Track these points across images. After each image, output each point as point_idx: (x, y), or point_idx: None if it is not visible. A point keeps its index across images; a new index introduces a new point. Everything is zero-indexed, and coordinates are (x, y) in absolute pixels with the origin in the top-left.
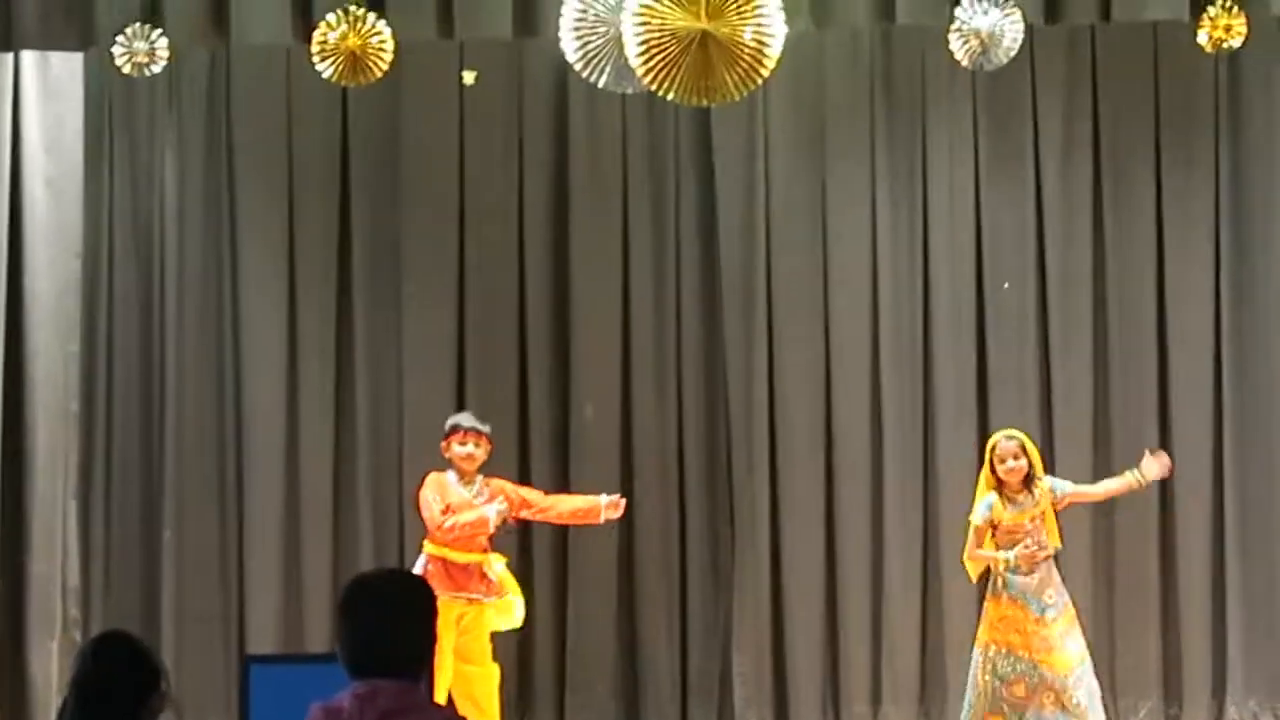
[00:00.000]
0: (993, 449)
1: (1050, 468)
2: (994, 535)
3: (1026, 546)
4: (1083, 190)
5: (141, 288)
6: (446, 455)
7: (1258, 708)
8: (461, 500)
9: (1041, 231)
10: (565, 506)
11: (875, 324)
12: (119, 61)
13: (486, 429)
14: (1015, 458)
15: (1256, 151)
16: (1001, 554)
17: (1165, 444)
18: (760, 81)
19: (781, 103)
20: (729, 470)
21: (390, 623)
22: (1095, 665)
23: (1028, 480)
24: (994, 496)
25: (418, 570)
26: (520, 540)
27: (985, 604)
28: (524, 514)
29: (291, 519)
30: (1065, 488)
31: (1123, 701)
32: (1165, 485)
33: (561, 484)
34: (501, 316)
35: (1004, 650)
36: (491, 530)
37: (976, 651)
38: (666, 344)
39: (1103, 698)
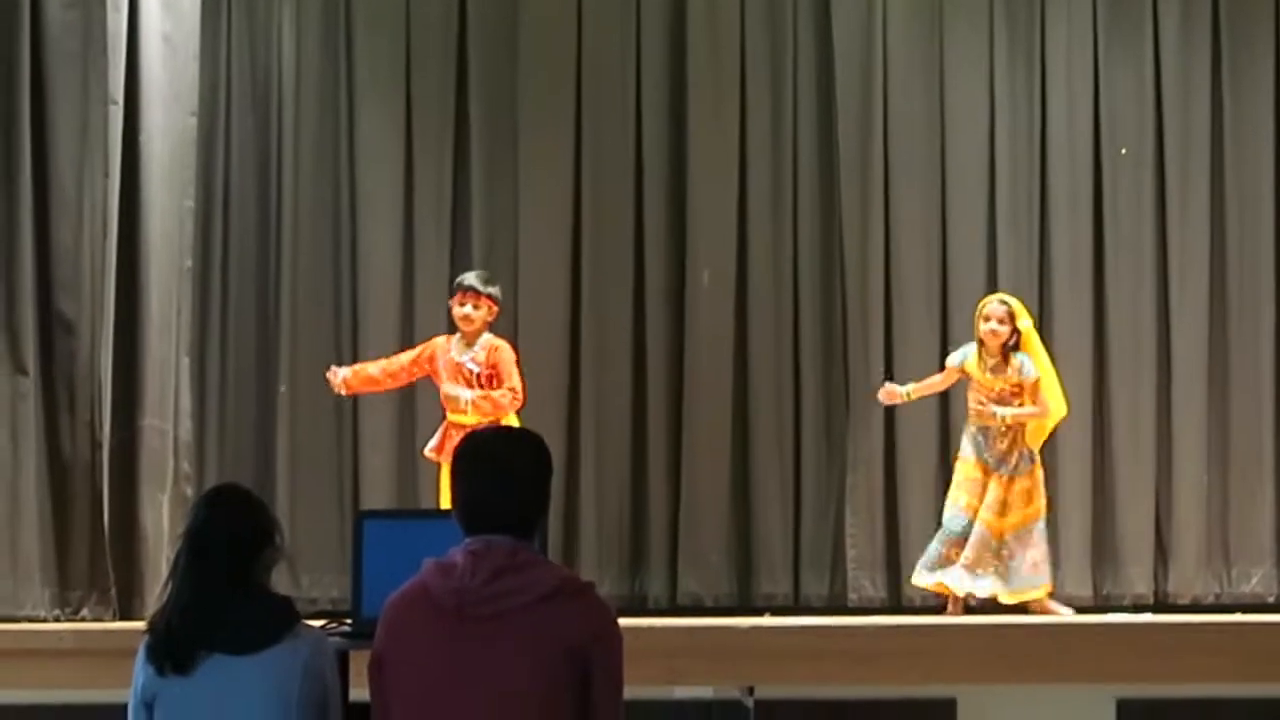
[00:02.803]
0: (982, 306)
1: (1166, 335)
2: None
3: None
4: (1201, 55)
5: (258, 146)
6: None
7: None
8: (449, 362)
9: (1159, 97)
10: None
11: (992, 193)
12: None
13: (489, 290)
14: (1000, 322)
15: None
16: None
17: None
18: None
19: None
20: (844, 337)
21: (504, 480)
22: (1210, 534)
23: (1005, 349)
24: (974, 347)
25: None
26: (634, 403)
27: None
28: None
29: None
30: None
31: (1236, 568)
32: None
33: (676, 349)
34: (617, 181)
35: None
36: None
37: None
38: (783, 212)
39: (1211, 564)
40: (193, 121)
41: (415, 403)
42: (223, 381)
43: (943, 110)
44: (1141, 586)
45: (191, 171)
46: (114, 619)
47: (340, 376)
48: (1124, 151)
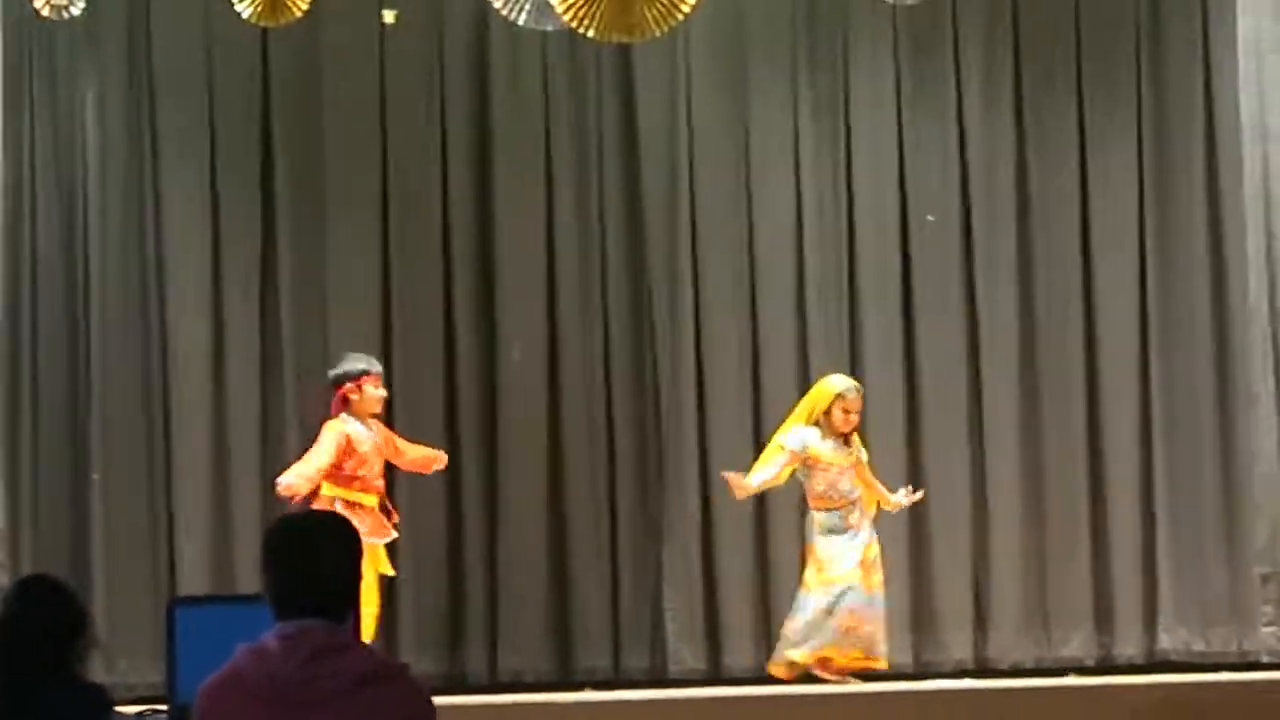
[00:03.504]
0: (839, 395)
1: (978, 397)
2: (804, 467)
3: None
4: (1005, 117)
5: (64, 230)
6: (354, 398)
7: (1189, 636)
8: (374, 445)
9: (964, 163)
10: (413, 454)
11: (800, 260)
12: (36, 3)
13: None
14: (858, 412)
15: (1178, 75)
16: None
17: (1091, 371)
18: (681, 17)
19: (702, 39)
20: (657, 409)
21: (316, 564)
22: (1027, 597)
23: (848, 433)
24: (815, 431)
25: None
26: (449, 481)
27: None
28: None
29: (220, 460)
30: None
31: (1055, 633)
32: (1093, 412)
33: (489, 425)
34: (426, 258)
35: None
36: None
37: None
38: (592, 285)
39: (1030, 629)
40: None
41: (229, 487)
42: (35, 469)
43: (748, 181)
44: (960, 653)
45: None
46: None
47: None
48: (930, 219)
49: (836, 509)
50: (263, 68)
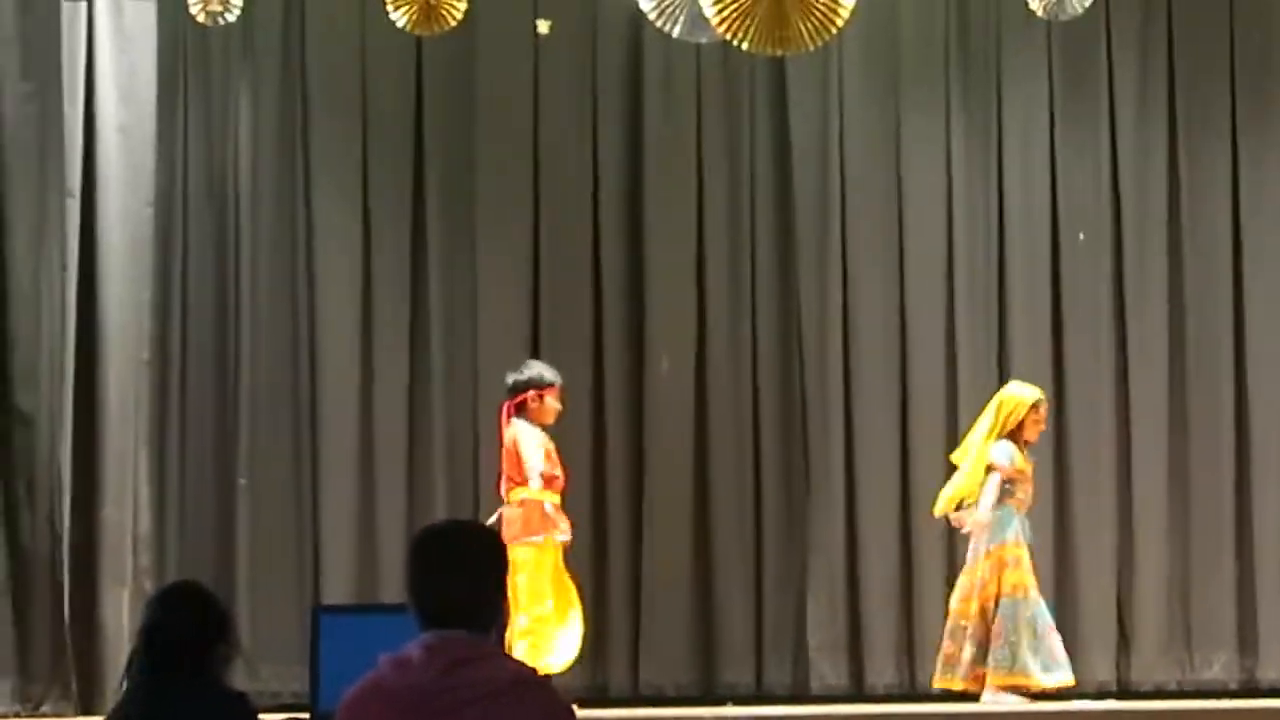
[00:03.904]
0: (1034, 406)
1: (1125, 415)
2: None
3: None
4: (1158, 142)
5: (215, 236)
6: (534, 405)
7: None
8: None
9: (1116, 181)
10: None
11: (950, 278)
12: (193, 9)
13: None
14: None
15: None
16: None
17: (1240, 393)
18: (835, 32)
19: (856, 53)
20: (804, 420)
21: (460, 574)
22: (1171, 618)
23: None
24: (1011, 446)
25: (506, 517)
26: (594, 489)
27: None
28: None
29: (366, 467)
30: None
31: (1198, 655)
32: (1241, 433)
33: (636, 434)
34: (577, 268)
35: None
36: None
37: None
38: (742, 299)
39: (1173, 649)
40: (149, 212)
41: (375, 496)
42: (182, 474)
43: (900, 194)
44: (1104, 674)
45: (149, 263)
46: (75, 714)
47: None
48: (1081, 238)
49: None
50: (416, 76)
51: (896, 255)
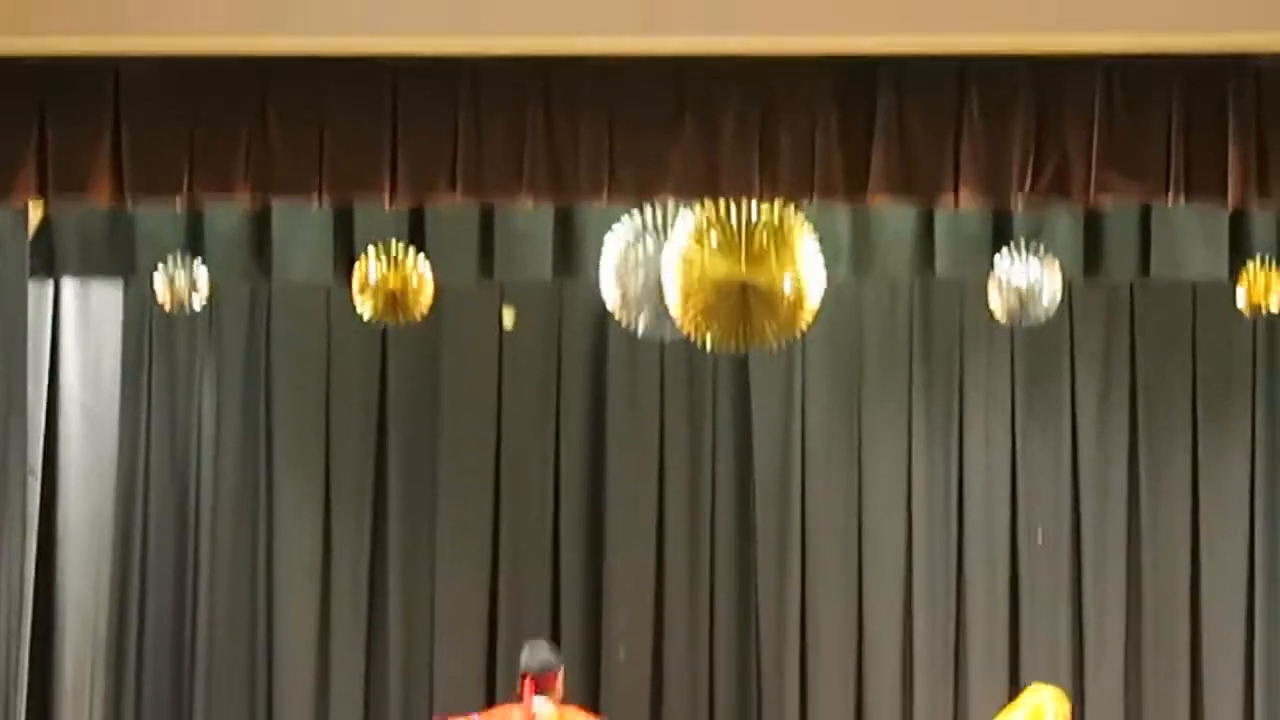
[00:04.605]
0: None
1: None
2: None
3: None
4: (1118, 447)
5: (176, 520)
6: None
7: None
8: None
9: (1076, 486)
10: None
11: (909, 575)
12: (159, 296)
13: None
14: None
15: None
16: None
17: (1195, 704)
18: (799, 331)
19: (819, 350)
20: (759, 711)
21: None
22: None
23: None
24: None
25: None
26: None
27: None
28: None
29: None
30: None
31: None
32: None
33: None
34: (536, 560)
35: None
36: None
37: None
38: (700, 592)
39: None
40: (111, 495)
41: None
42: None
43: (860, 491)
44: None
45: (109, 544)
46: None
47: None
48: (1040, 541)
49: None
50: (381, 363)
51: (856, 555)
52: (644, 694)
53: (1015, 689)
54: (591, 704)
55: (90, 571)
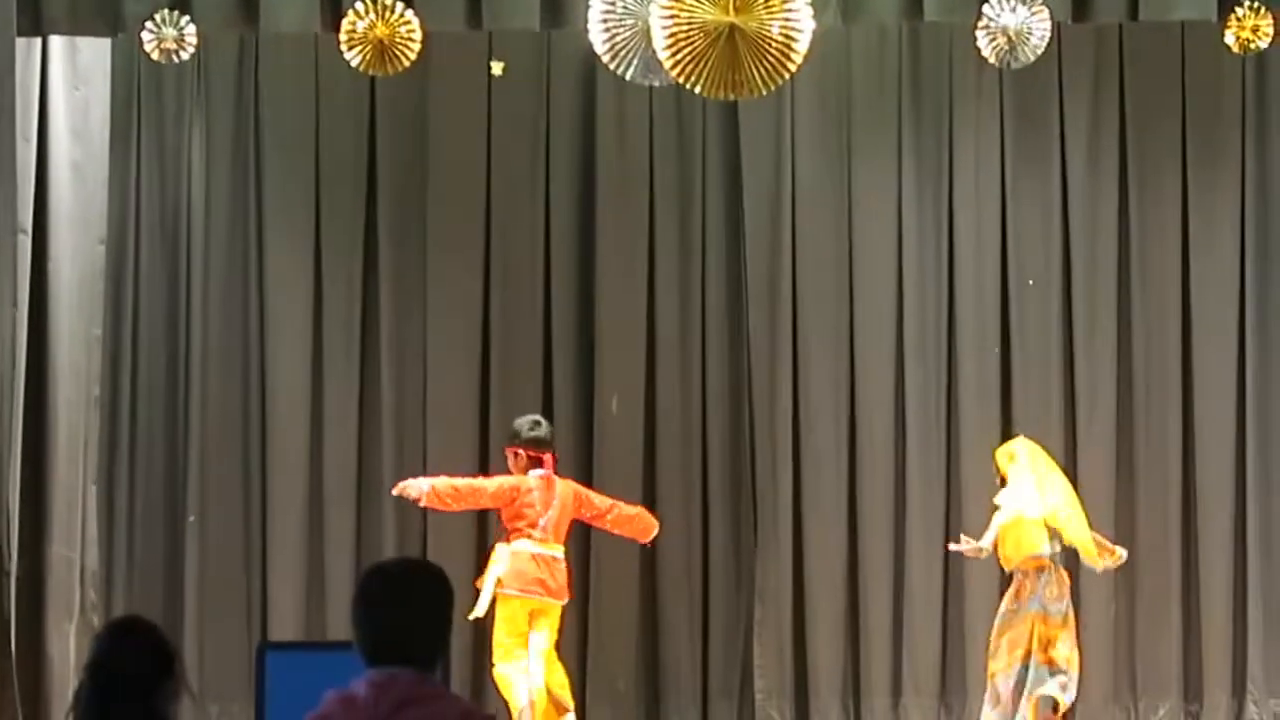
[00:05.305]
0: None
1: (1073, 465)
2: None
3: None
4: (1108, 188)
5: (167, 274)
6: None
7: (1278, 707)
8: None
9: (1067, 229)
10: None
11: (900, 323)
12: (147, 48)
13: None
14: None
15: None
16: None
17: (1187, 441)
18: (787, 76)
19: (808, 97)
20: (753, 467)
21: (406, 612)
22: (1116, 666)
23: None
24: None
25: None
26: None
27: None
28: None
29: (315, 506)
30: None
31: (1143, 701)
32: (1187, 482)
33: (585, 478)
34: (527, 308)
35: None
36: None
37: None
38: (691, 339)
39: (1125, 696)
40: (101, 249)
41: (324, 534)
42: (131, 510)
43: (850, 239)
44: None
45: (100, 300)
46: None
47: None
48: (1031, 283)
49: None
50: (370, 117)
51: (847, 303)
52: (637, 446)
53: (1006, 432)
54: (585, 458)
55: (82, 327)
